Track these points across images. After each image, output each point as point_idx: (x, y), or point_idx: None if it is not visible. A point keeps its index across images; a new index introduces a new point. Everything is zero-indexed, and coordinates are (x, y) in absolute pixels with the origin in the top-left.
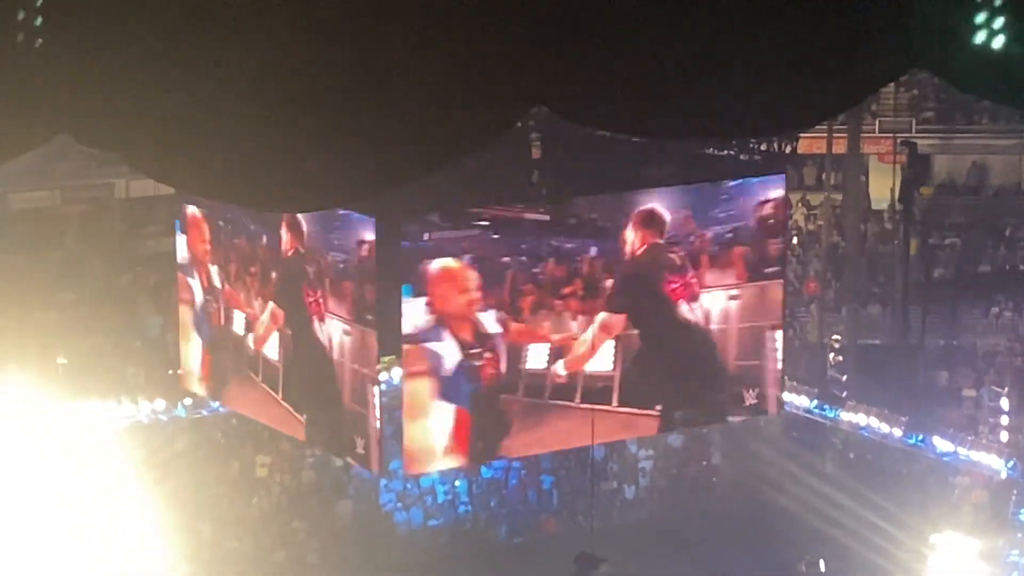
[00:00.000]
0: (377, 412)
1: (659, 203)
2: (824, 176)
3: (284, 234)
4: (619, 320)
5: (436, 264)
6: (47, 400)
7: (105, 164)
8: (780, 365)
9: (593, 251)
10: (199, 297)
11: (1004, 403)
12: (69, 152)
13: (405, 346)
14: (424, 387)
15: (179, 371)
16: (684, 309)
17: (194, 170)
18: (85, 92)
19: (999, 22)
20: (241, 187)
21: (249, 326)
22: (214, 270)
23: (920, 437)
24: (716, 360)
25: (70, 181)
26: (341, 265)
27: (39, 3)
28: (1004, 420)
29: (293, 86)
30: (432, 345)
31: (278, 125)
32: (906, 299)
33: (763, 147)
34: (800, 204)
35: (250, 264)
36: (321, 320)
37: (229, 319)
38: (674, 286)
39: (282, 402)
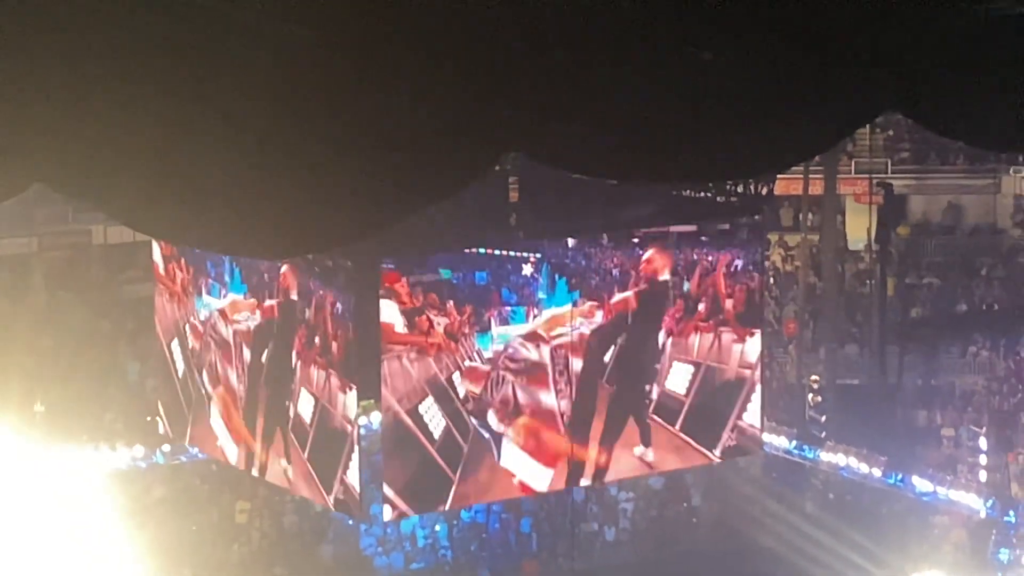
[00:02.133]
0: (357, 456)
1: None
2: (801, 217)
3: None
4: None
5: None
6: (25, 447)
7: (83, 210)
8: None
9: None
10: None
11: (982, 442)
12: (47, 199)
13: None
14: None
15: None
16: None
17: (171, 219)
18: (61, 141)
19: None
20: (219, 235)
21: None
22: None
23: (899, 477)
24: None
25: (48, 227)
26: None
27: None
28: (983, 459)
29: (270, 134)
30: None
31: (254, 173)
32: (884, 339)
33: (740, 188)
34: (777, 245)
35: None
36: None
37: None
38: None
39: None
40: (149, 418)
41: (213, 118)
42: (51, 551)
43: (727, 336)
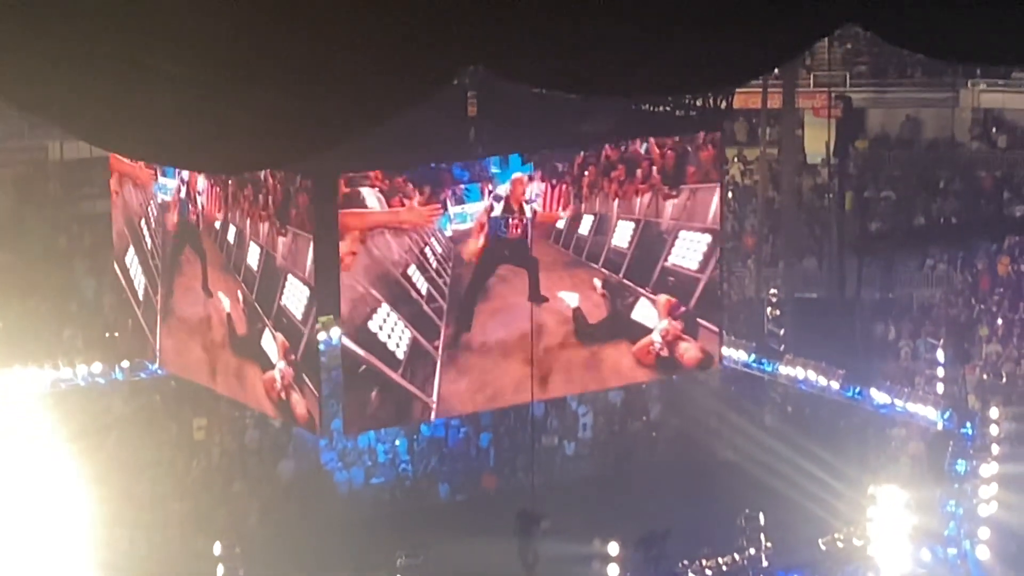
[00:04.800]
0: (317, 371)
1: None
2: (760, 131)
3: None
4: None
5: None
6: None
7: (38, 126)
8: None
9: None
10: None
11: (940, 355)
12: (1, 115)
13: None
14: None
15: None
16: None
17: (128, 133)
18: (16, 54)
19: None
20: (177, 149)
21: None
22: None
23: (857, 390)
24: None
25: (4, 143)
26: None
27: None
28: (940, 372)
29: (227, 48)
30: None
31: (210, 88)
32: (842, 253)
33: (699, 102)
34: (736, 159)
35: None
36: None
37: None
38: None
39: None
40: (108, 334)
41: (169, 34)
42: (8, 467)
43: None
